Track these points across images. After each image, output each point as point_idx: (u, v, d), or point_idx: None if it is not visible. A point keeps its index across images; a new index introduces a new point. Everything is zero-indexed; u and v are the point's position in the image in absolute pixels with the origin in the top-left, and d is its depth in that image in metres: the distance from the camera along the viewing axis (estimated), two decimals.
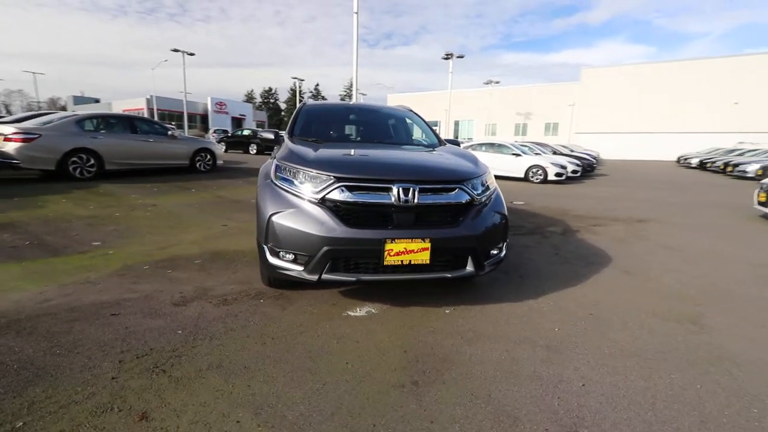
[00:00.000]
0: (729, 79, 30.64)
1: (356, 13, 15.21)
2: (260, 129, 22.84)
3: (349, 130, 4.23)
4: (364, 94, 51.97)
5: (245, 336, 2.31)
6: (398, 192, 2.42)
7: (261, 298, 2.86)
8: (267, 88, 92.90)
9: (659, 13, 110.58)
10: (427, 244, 2.41)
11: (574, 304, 2.95)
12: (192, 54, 36.20)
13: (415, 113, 4.49)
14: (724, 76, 30.88)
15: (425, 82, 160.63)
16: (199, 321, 2.47)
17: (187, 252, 3.91)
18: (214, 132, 26.51)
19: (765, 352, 2.34)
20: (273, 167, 2.76)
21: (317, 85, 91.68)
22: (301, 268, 2.44)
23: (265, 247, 2.53)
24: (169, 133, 9.77)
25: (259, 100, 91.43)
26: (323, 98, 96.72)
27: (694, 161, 24.67)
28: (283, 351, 2.16)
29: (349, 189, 2.42)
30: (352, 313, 2.68)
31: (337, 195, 2.41)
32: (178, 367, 1.97)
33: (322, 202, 2.43)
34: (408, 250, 2.40)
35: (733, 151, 23.38)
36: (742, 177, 16.63)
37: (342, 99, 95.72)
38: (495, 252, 2.79)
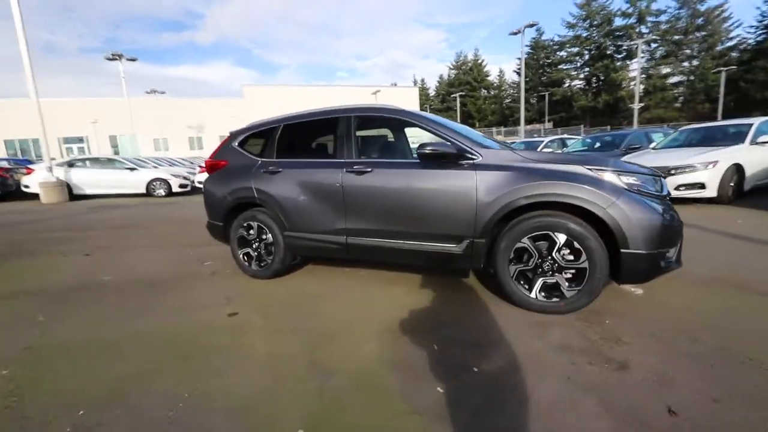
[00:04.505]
0: (346, 100, 42.16)
1: None
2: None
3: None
4: None
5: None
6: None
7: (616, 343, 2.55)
8: None
9: (255, 44, 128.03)
10: None
11: None
12: None
13: None
14: (340, 98, 42.06)
15: None
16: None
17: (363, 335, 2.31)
18: None
19: None
20: (617, 176, 2.55)
21: None
22: (672, 260, 2.59)
23: (663, 252, 2.46)
24: None
25: None
26: None
27: None
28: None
29: None
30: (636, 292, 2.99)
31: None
32: None
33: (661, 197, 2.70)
34: None
35: None
36: None
37: None
38: None
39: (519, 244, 2.67)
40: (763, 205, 6.10)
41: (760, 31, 39.60)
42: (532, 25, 20.78)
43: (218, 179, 3.96)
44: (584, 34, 51.08)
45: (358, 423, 1.70)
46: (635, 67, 45.97)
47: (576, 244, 2.52)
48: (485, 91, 70.92)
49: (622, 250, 2.44)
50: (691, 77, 44.46)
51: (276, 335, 2.58)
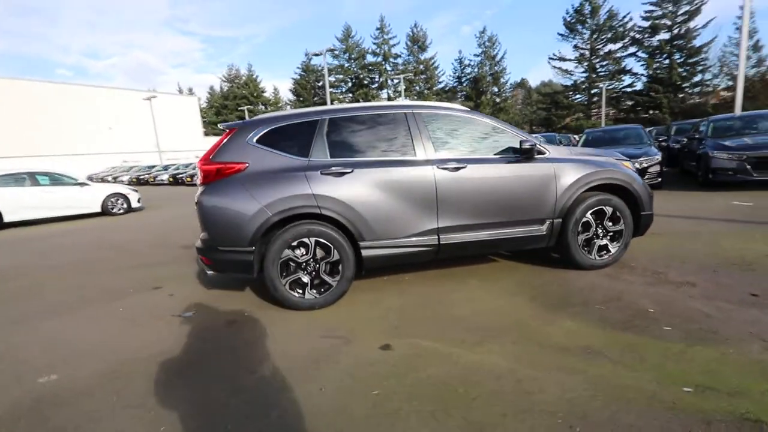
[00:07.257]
0: (106, 107, 32.49)
1: None
2: None
3: None
4: None
5: None
6: None
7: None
8: None
9: None
10: None
11: None
12: None
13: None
14: (102, 103, 32.22)
15: None
16: None
17: None
18: None
19: None
20: (631, 163, 3.55)
21: None
22: None
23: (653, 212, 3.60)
24: None
25: None
26: None
27: (125, 178, 25.75)
28: None
29: None
30: None
31: None
32: None
33: None
34: None
35: (116, 167, 28.46)
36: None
37: None
38: None
39: (584, 219, 3.36)
40: None
41: (455, 80, 57.03)
42: (332, 50, 22.69)
43: (236, 188, 2.83)
44: (346, 65, 58.58)
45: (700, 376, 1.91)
46: (384, 95, 57.57)
47: (617, 213, 3.42)
48: (263, 106, 70.21)
49: (642, 213, 3.50)
50: None
51: (478, 347, 2.28)
